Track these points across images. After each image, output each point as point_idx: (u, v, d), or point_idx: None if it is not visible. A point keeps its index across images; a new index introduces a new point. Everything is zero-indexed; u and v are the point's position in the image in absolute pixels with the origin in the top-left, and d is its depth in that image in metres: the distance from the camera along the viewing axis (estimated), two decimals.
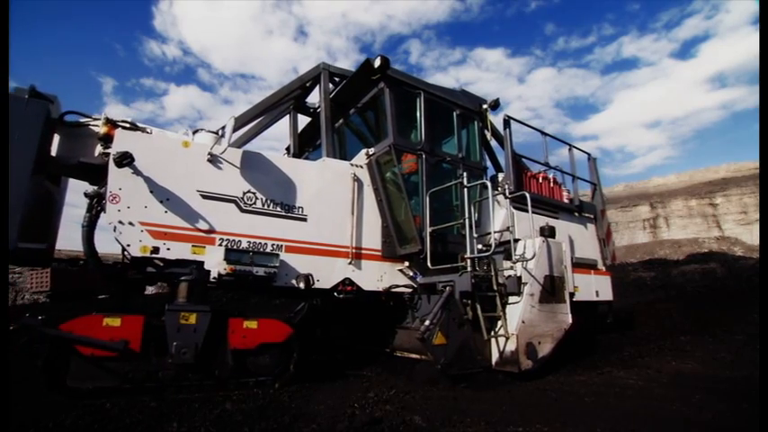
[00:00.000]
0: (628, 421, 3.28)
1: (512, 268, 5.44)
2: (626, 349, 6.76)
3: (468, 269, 5.03)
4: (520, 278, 5.32)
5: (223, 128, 5.01)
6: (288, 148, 7.79)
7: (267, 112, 6.47)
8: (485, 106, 6.89)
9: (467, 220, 5.26)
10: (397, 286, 5.55)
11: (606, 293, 7.64)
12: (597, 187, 8.68)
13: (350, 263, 5.26)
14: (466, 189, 5.54)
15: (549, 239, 5.73)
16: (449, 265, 5.38)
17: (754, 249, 32.79)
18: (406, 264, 5.69)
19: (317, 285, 4.93)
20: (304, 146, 7.74)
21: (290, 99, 6.81)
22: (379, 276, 5.53)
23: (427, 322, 4.47)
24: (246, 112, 5.93)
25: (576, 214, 7.98)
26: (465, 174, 5.78)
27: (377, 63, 5.64)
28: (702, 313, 9.88)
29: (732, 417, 3.39)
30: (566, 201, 7.83)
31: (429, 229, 5.47)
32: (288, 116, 7.34)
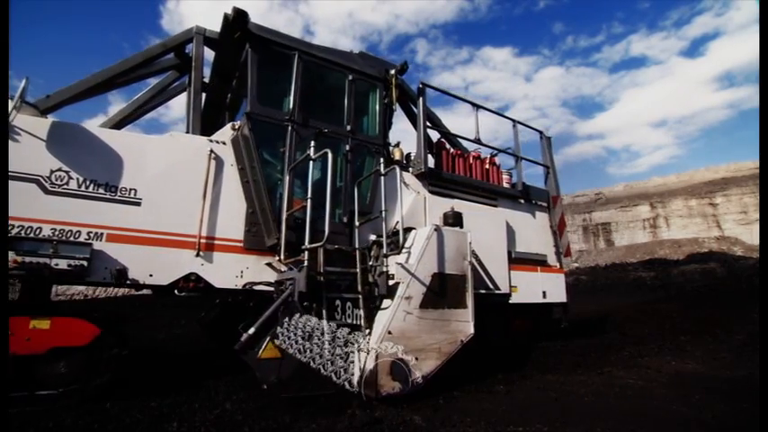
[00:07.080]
0: (628, 421, 3.28)
1: (383, 264, 4.39)
2: (626, 349, 6.75)
3: (305, 263, 4.05)
4: (389, 276, 4.23)
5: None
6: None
7: (117, 82, 5.21)
8: (392, 72, 5.82)
9: (332, 201, 4.13)
10: (258, 283, 4.63)
11: (557, 294, 6.64)
12: (551, 170, 7.60)
13: (197, 255, 4.40)
14: (349, 167, 4.84)
15: (446, 228, 4.68)
16: (294, 259, 4.41)
17: (754, 249, 32.79)
18: (278, 258, 4.67)
19: (150, 281, 4.14)
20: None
21: (167, 70, 5.65)
22: (238, 272, 4.62)
23: (251, 330, 3.66)
24: (80, 82, 4.79)
25: (522, 201, 6.83)
26: (349, 148, 5.04)
27: (231, 16, 4.68)
28: (702, 313, 9.89)
29: (732, 417, 3.38)
30: (505, 185, 6.73)
31: (286, 214, 4.50)
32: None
